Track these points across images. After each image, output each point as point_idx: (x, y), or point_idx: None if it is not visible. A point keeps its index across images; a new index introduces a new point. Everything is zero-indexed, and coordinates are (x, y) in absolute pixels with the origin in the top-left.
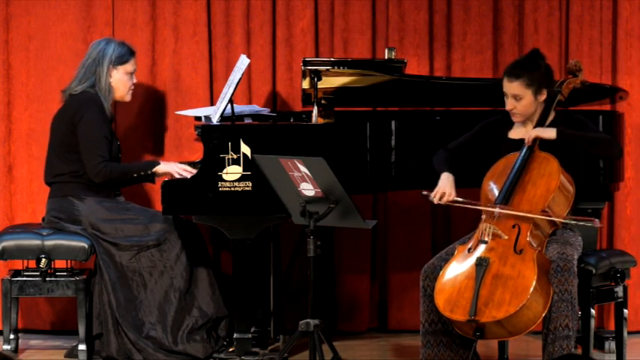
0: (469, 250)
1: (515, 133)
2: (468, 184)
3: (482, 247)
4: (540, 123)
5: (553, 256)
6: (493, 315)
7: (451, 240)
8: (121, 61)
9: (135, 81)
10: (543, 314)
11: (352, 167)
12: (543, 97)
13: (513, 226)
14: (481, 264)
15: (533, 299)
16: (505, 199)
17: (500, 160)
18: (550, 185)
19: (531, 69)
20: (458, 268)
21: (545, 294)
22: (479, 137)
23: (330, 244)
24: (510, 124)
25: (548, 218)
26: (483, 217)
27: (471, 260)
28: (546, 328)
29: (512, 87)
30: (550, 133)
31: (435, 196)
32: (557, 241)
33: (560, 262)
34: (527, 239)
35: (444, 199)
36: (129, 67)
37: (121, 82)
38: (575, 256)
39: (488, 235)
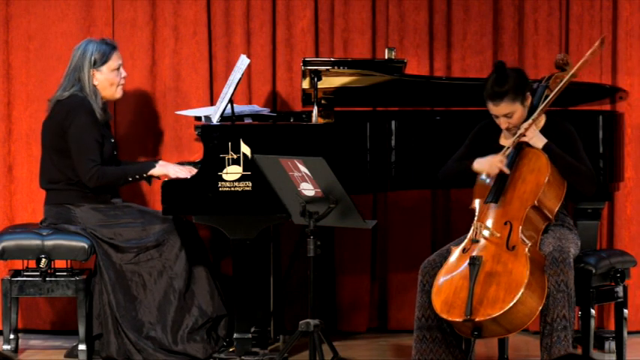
0: (463, 250)
1: (505, 140)
2: (462, 184)
3: (475, 247)
4: (529, 114)
5: (549, 249)
6: (488, 313)
7: (451, 240)
8: (102, 60)
9: (124, 75)
10: (539, 309)
11: (352, 167)
12: (529, 100)
13: (505, 224)
14: (474, 263)
15: (527, 294)
16: (496, 196)
17: None
18: (539, 180)
19: (508, 83)
20: (453, 269)
21: (540, 288)
22: (474, 145)
23: (330, 244)
24: (500, 129)
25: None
26: (475, 216)
27: (466, 260)
28: (543, 320)
29: (500, 109)
30: (537, 142)
31: (491, 174)
32: (553, 235)
33: (556, 254)
34: (520, 236)
35: (502, 165)
36: (112, 63)
37: (106, 81)
38: (572, 250)
39: (481, 233)
